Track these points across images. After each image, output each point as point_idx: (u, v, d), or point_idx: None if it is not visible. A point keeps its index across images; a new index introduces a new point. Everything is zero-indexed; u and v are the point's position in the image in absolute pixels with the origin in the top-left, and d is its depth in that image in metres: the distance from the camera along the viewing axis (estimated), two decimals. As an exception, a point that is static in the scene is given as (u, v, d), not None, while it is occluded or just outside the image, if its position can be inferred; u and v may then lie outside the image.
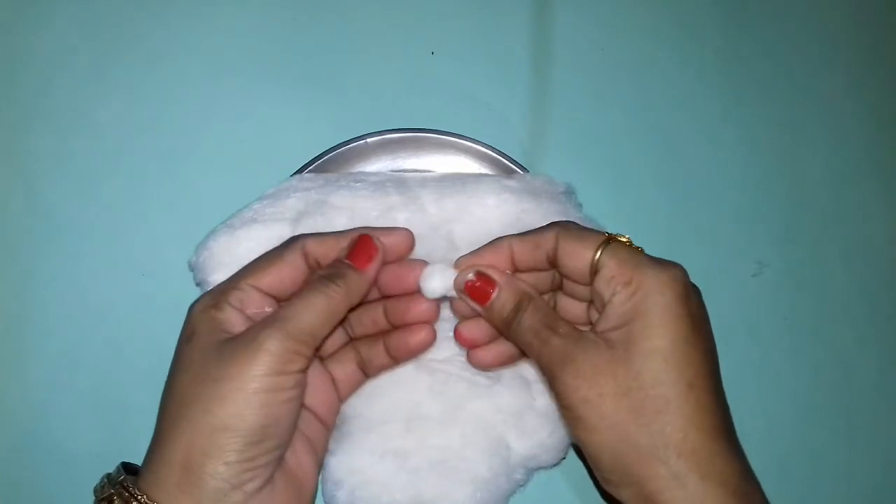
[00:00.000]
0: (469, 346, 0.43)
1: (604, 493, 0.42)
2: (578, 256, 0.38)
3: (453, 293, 0.41)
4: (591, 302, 0.40)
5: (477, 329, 0.42)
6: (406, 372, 0.45)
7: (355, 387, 0.44)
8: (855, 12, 0.56)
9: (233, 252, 0.45)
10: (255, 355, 0.35)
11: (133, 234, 0.49)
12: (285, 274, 0.39)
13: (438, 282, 0.41)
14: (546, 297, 0.42)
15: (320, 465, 0.42)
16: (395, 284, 0.42)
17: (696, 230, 0.52)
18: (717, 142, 0.53)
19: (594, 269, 0.38)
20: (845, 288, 0.53)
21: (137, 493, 0.35)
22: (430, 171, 0.49)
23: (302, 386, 0.37)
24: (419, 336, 0.42)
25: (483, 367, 0.44)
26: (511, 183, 0.47)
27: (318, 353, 0.42)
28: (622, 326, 0.36)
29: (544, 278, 0.41)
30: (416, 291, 0.42)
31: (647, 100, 0.53)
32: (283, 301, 0.40)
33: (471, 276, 0.40)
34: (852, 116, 0.55)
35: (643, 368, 0.35)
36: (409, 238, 0.42)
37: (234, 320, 0.38)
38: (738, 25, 0.55)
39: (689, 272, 0.38)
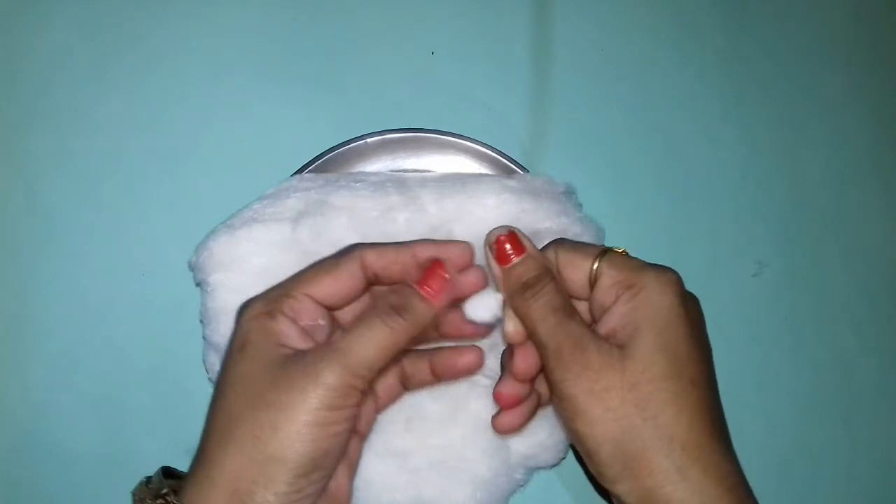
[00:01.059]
0: (507, 406, 0.41)
1: (601, 491, 0.42)
2: (577, 267, 0.39)
3: (498, 316, 0.40)
4: (591, 321, 0.40)
5: (513, 388, 0.41)
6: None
7: (393, 399, 0.44)
8: (855, 12, 0.56)
9: (233, 252, 0.45)
10: (312, 387, 0.35)
11: (133, 234, 0.49)
12: (342, 284, 0.39)
13: (483, 310, 0.40)
14: None
15: (353, 480, 0.41)
16: (457, 331, 0.42)
17: (696, 230, 0.52)
18: (717, 142, 0.53)
19: (593, 279, 0.38)
20: (845, 288, 0.53)
21: None
22: (430, 171, 0.49)
23: (353, 419, 0.37)
24: (468, 357, 0.42)
25: (511, 431, 0.42)
26: (511, 183, 0.47)
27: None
28: (627, 325, 0.36)
29: None
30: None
31: (647, 100, 0.53)
32: (336, 310, 0.39)
33: (505, 232, 0.39)
34: (852, 116, 0.55)
35: (651, 363, 0.36)
36: (470, 252, 0.41)
37: (287, 332, 0.37)
38: (738, 25, 0.55)
39: (689, 272, 0.38)
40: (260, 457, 0.34)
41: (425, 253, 0.40)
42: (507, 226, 0.40)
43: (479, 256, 0.41)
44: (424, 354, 0.43)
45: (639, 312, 0.36)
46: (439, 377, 0.43)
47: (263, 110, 0.51)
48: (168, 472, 0.37)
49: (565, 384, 0.36)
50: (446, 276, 0.39)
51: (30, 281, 0.49)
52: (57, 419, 0.47)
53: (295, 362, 0.36)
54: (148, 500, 0.36)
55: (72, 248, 0.49)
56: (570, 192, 0.48)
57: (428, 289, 0.38)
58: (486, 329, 0.42)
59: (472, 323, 0.41)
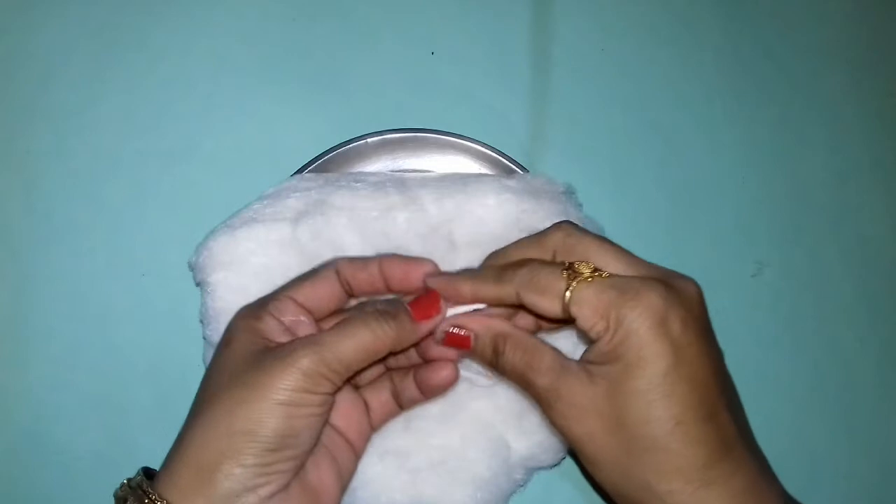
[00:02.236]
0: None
1: (603, 495, 0.42)
2: (547, 311, 0.37)
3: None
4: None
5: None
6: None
7: (389, 416, 0.44)
8: (855, 12, 0.56)
9: (233, 252, 0.45)
10: (286, 369, 0.36)
11: (133, 234, 0.49)
12: (318, 287, 0.40)
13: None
14: None
15: (345, 488, 0.41)
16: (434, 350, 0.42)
17: (696, 230, 0.52)
18: (717, 142, 0.53)
19: (569, 316, 0.36)
20: (845, 288, 0.53)
21: (150, 492, 0.36)
22: (430, 171, 0.49)
23: (328, 405, 0.37)
24: (442, 373, 0.42)
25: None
26: (511, 183, 0.47)
27: (353, 382, 0.42)
28: (605, 364, 0.35)
29: None
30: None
31: (647, 100, 0.53)
32: (320, 319, 0.40)
33: (447, 329, 0.40)
34: (852, 116, 0.55)
35: (628, 409, 0.34)
36: (435, 271, 0.41)
37: (272, 328, 0.38)
38: (738, 25, 0.55)
39: (689, 272, 0.37)
40: (230, 430, 0.35)
41: (392, 267, 0.41)
42: (447, 319, 0.40)
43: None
44: (410, 370, 0.43)
45: (614, 354, 0.35)
46: (424, 393, 0.43)
47: (263, 110, 0.51)
48: (150, 474, 0.38)
49: (560, 432, 0.37)
50: (440, 306, 0.40)
51: (30, 281, 0.49)
52: (57, 419, 0.47)
53: (276, 350, 0.37)
54: (125, 489, 0.37)
55: (72, 248, 0.49)
56: (570, 192, 0.48)
57: (418, 311, 0.39)
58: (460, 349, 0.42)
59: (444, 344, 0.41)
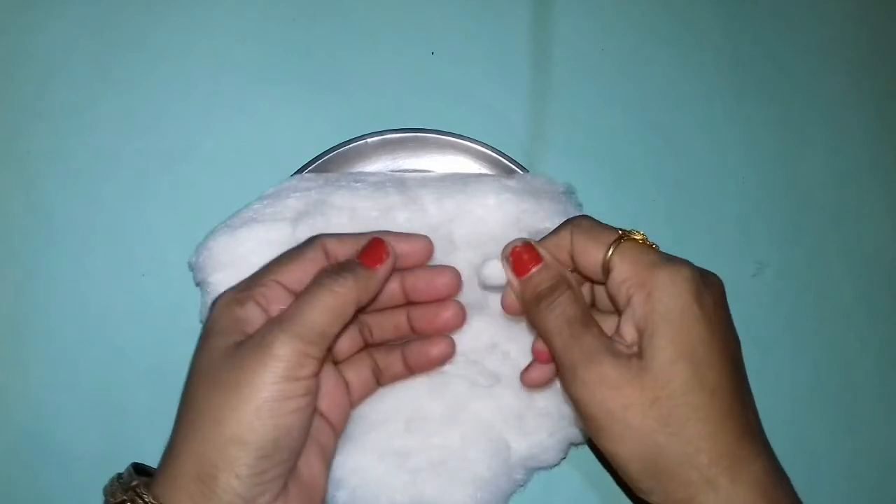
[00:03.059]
0: (544, 361, 0.41)
1: (619, 481, 0.42)
2: (590, 256, 0.38)
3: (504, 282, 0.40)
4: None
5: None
6: (406, 372, 0.45)
7: (367, 394, 0.44)
8: (855, 12, 0.56)
9: (233, 252, 0.45)
10: (265, 361, 0.35)
11: (133, 234, 0.49)
12: (307, 269, 0.39)
13: (495, 277, 0.40)
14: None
15: (329, 471, 0.41)
16: (425, 289, 0.42)
17: (696, 230, 0.52)
18: (717, 142, 0.53)
19: (606, 270, 0.37)
20: (845, 288, 0.53)
21: (151, 500, 0.35)
22: (430, 171, 0.49)
23: (313, 392, 0.36)
24: (440, 347, 0.42)
25: (539, 385, 0.43)
26: (511, 183, 0.47)
27: (332, 357, 0.42)
28: (642, 334, 0.36)
29: (584, 290, 0.41)
30: (445, 297, 0.42)
31: (647, 100, 0.53)
32: None
33: (520, 244, 0.39)
34: (852, 116, 0.55)
35: (669, 377, 0.35)
36: (428, 245, 0.42)
37: (253, 317, 0.37)
38: (738, 25, 0.55)
39: None
40: (220, 440, 0.34)
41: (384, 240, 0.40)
42: (523, 238, 0.40)
43: (443, 252, 0.43)
44: (396, 348, 0.43)
45: (653, 318, 0.35)
46: (412, 369, 0.43)
47: (263, 110, 0.51)
48: (140, 469, 0.37)
49: (583, 403, 0.36)
50: (388, 249, 0.39)
51: (30, 281, 0.49)
52: (57, 419, 0.47)
53: (248, 342, 0.36)
54: (119, 494, 0.36)
55: (72, 248, 0.49)
56: (570, 192, 0.48)
57: (368, 258, 0.39)
58: (461, 319, 0.42)
59: (451, 306, 0.42)
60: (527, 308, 0.39)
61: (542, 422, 0.45)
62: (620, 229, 0.38)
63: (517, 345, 0.45)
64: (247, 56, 0.52)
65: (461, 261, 0.45)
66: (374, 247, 0.39)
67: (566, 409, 0.45)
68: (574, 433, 0.45)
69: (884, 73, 0.56)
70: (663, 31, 0.54)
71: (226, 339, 0.36)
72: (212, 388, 0.36)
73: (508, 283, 0.40)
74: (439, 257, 0.45)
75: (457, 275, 0.42)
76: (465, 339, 0.45)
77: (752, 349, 0.51)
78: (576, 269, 0.40)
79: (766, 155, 0.54)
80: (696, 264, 0.38)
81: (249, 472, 0.34)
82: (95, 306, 0.48)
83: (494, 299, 0.45)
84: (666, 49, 0.54)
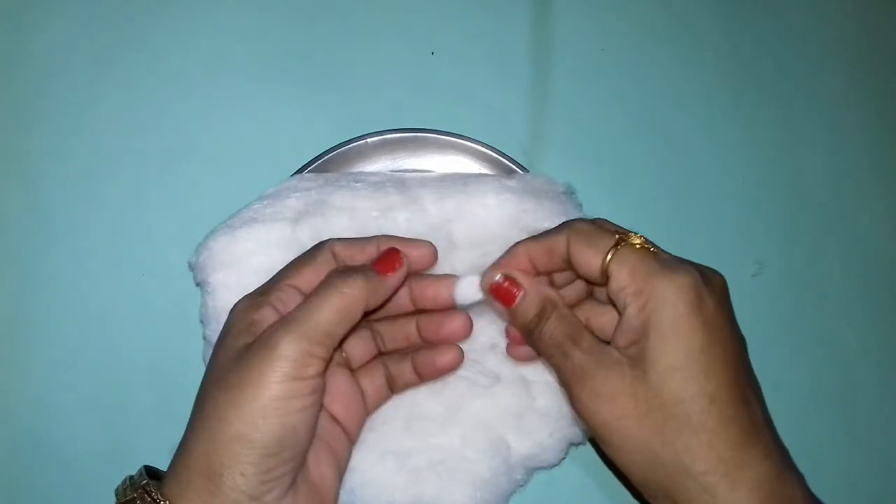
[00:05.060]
0: (518, 343, 0.42)
1: (626, 484, 0.43)
2: (588, 263, 0.37)
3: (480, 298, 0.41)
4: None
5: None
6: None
7: (382, 401, 0.44)
8: (855, 12, 0.56)
9: (233, 252, 0.45)
10: (271, 361, 0.35)
11: (133, 234, 0.49)
12: (319, 272, 0.39)
13: (470, 288, 0.41)
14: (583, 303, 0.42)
15: (342, 479, 0.41)
16: (431, 298, 0.42)
17: (696, 230, 0.52)
18: (717, 142, 0.53)
19: (605, 275, 0.37)
20: (845, 288, 0.53)
21: (160, 498, 0.35)
22: (430, 171, 0.49)
23: (319, 391, 0.37)
24: (448, 356, 0.42)
25: (519, 360, 0.44)
26: (511, 183, 0.47)
27: (347, 364, 0.42)
28: (638, 341, 0.35)
29: (580, 285, 0.41)
30: (451, 307, 0.42)
31: (647, 100, 0.53)
32: None
33: (498, 277, 0.40)
34: (852, 116, 0.55)
35: (663, 386, 0.35)
36: (433, 252, 0.42)
37: (268, 320, 0.37)
38: (738, 25, 0.55)
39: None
40: (225, 438, 0.35)
41: (388, 246, 0.41)
42: (499, 267, 0.40)
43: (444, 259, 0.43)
44: (407, 356, 0.43)
45: (649, 326, 0.35)
46: (422, 376, 0.43)
47: (263, 110, 0.51)
48: (151, 472, 0.38)
49: (583, 418, 0.37)
50: (402, 259, 0.40)
51: (30, 281, 0.49)
52: (57, 419, 0.47)
53: (255, 342, 0.36)
54: (129, 492, 0.36)
55: (72, 248, 0.49)
56: (570, 192, 0.48)
57: (382, 265, 0.39)
58: (467, 329, 0.42)
59: (457, 315, 0.42)
60: (523, 335, 0.40)
61: (542, 422, 0.45)
62: (618, 231, 0.38)
63: (517, 345, 0.46)
64: (247, 56, 0.52)
65: (461, 261, 0.45)
66: (389, 255, 0.40)
67: (566, 409, 0.45)
68: (574, 433, 0.45)
69: (884, 73, 0.56)
70: (663, 31, 0.54)
71: (237, 341, 0.37)
72: (219, 388, 0.36)
73: (501, 313, 0.41)
74: (439, 258, 0.45)
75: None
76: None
77: (753, 349, 0.51)
78: (570, 270, 0.40)
79: (766, 155, 0.54)
80: (696, 262, 0.38)
81: (255, 469, 0.35)
82: (95, 306, 0.48)
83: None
84: (666, 49, 0.54)
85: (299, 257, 0.41)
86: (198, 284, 0.46)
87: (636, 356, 0.35)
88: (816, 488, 0.51)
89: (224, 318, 0.44)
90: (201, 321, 0.46)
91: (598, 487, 0.48)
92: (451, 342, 0.42)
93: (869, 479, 0.51)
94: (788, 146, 0.54)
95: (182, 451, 0.36)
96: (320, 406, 0.38)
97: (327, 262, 0.40)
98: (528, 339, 0.40)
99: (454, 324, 0.42)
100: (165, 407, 0.48)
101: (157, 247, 0.49)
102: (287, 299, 0.38)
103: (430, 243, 0.42)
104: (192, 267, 0.46)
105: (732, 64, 0.54)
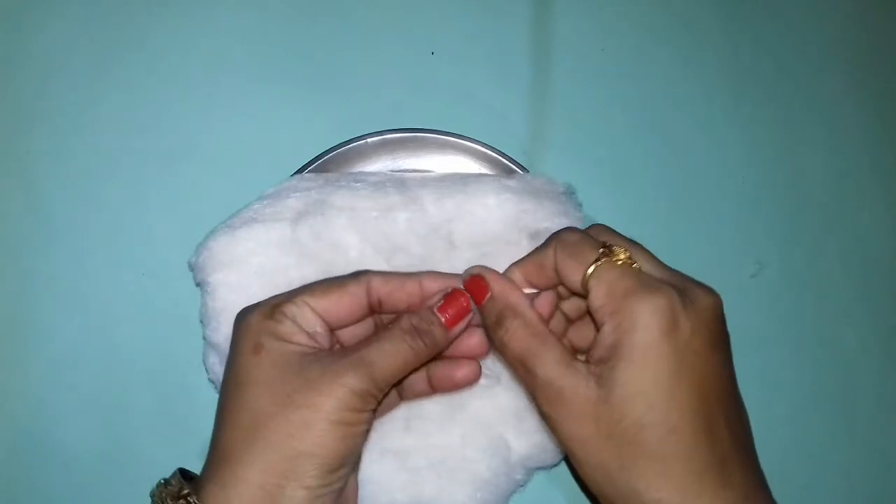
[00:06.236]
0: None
1: (589, 496, 0.43)
2: (571, 276, 0.37)
3: None
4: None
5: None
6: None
7: (391, 407, 0.45)
8: (855, 12, 0.56)
9: (233, 252, 0.45)
10: (338, 390, 0.36)
11: (133, 234, 0.49)
12: (344, 303, 0.40)
13: None
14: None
15: (357, 480, 0.42)
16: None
17: (695, 230, 0.52)
18: (717, 142, 0.53)
19: (586, 290, 0.37)
20: (845, 288, 0.53)
21: None
22: (430, 171, 0.49)
23: (372, 421, 0.39)
24: (465, 370, 0.42)
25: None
26: (511, 183, 0.47)
27: None
28: (608, 360, 0.35)
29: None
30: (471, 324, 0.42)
31: (647, 100, 0.53)
32: (334, 329, 0.40)
33: (474, 271, 0.40)
34: (852, 116, 0.55)
35: (625, 412, 0.34)
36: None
37: (293, 331, 0.38)
38: (738, 25, 0.55)
39: (688, 273, 0.38)
40: (292, 453, 0.36)
41: (432, 284, 0.41)
42: (480, 266, 0.40)
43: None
44: (422, 367, 0.43)
45: (620, 347, 0.34)
46: (436, 389, 0.43)
47: (263, 110, 0.51)
48: (185, 474, 0.38)
49: (550, 428, 0.37)
50: (466, 305, 0.40)
51: (30, 281, 0.49)
52: (57, 419, 0.47)
53: (314, 364, 0.37)
54: (169, 502, 0.36)
55: (72, 248, 0.49)
56: (570, 192, 0.48)
57: (447, 316, 0.40)
58: (486, 346, 0.42)
59: (476, 332, 0.42)
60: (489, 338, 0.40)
61: (541, 422, 0.45)
62: (604, 246, 0.37)
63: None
64: (247, 56, 0.52)
65: (461, 261, 0.45)
66: (455, 303, 0.40)
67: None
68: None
69: (884, 73, 0.56)
70: (663, 31, 0.54)
71: (278, 354, 0.37)
72: (279, 402, 0.36)
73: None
74: (439, 258, 0.45)
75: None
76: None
77: (753, 349, 0.51)
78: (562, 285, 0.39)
79: (766, 155, 0.54)
80: (697, 264, 0.38)
81: (317, 483, 0.36)
82: (95, 306, 0.48)
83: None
84: (666, 49, 0.54)
85: (330, 279, 0.41)
86: (198, 284, 0.46)
87: (604, 376, 0.35)
88: (817, 488, 0.51)
89: (224, 318, 0.44)
90: (201, 321, 0.46)
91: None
92: (470, 358, 0.43)
93: (869, 479, 0.51)
94: (788, 146, 0.54)
95: (230, 462, 0.36)
96: (370, 430, 0.40)
97: (357, 295, 0.40)
98: (490, 345, 0.40)
99: (473, 340, 0.42)
100: (165, 407, 0.48)
101: (157, 247, 0.49)
102: (300, 316, 0.39)
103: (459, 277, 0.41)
104: (192, 267, 0.46)
105: (732, 64, 0.54)
